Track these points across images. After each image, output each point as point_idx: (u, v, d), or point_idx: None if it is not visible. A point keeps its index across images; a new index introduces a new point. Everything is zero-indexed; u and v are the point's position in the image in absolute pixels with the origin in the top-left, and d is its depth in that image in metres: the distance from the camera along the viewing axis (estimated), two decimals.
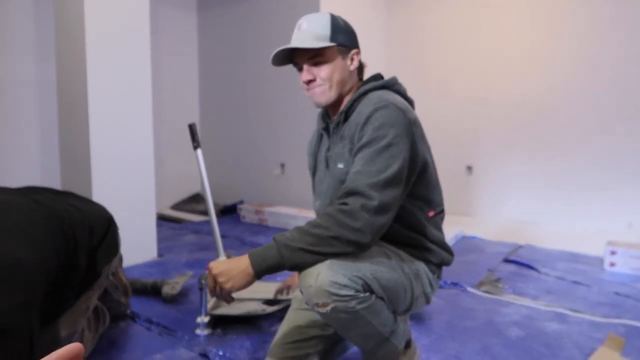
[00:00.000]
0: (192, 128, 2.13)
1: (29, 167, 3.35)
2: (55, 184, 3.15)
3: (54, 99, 3.26)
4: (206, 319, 1.71)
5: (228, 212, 4.18)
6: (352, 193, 1.08)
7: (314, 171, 1.43)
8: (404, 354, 1.30)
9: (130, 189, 2.56)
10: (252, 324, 1.79)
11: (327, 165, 1.32)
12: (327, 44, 1.21)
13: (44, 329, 1.14)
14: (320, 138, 1.41)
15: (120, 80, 2.48)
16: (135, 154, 2.58)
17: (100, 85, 2.39)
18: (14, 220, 1.08)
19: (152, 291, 2.09)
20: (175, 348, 1.60)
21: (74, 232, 1.26)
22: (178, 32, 4.53)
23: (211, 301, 1.83)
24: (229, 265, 1.07)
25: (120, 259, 1.72)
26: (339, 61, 1.24)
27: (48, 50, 3.30)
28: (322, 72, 1.23)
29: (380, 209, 1.06)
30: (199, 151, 2.14)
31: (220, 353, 1.55)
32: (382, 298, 1.15)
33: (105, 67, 2.40)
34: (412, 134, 1.17)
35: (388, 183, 1.09)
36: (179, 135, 4.14)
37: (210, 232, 2.10)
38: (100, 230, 1.43)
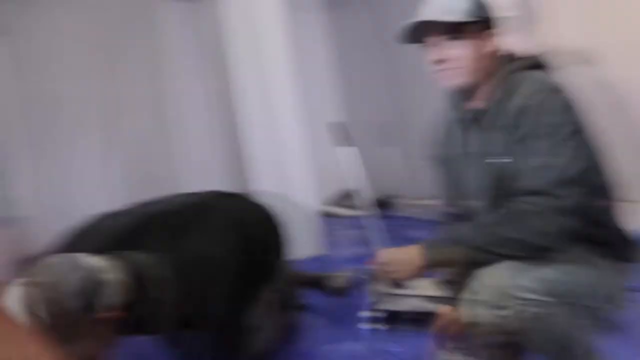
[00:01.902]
0: (340, 127, 2.19)
1: (206, 174, 3.76)
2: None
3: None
4: (371, 314, 1.72)
5: (384, 205, 4.19)
6: (537, 192, 0.97)
7: (449, 162, 1.28)
8: None
9: (289, 188, 2.76)
10: (419, 320, 1.75)
11: (475, 159, 1.17)
12: (465, 18, 1.04)
13: (236, 319, 1.29)
14: (456, 127, 1.24)
15: (266, 87, 2.71)
16: (288, 154, 2.80)
17: (250, 92, 2.67)
18: (203, 223, 1.24)
19: (319, 285, 2.19)
20: (342, 341, 1.65)
21: (250, 230, 1.40)
22: (312, 34, 4.68)
23: (376, 296, 1.83)
24: (398, 255, 1.08)
25: (289, 255, 1.85)
26: (477, 39, 1.07)
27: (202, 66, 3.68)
28: (457, 50, 1.06)
29: (571, 210, 0.95)
30: (351, 149, 2.18)
31: (388, 348, 1.55)
32: (563, 304, 1.01)
33: (252, 76, 2.67)
34: (582, 118, 1.02)
35: (576, 179, 0.95)
36: (327, 132, 4.28)
37: (369, 227, 2.11)
38: (270, 228, 1.55)
